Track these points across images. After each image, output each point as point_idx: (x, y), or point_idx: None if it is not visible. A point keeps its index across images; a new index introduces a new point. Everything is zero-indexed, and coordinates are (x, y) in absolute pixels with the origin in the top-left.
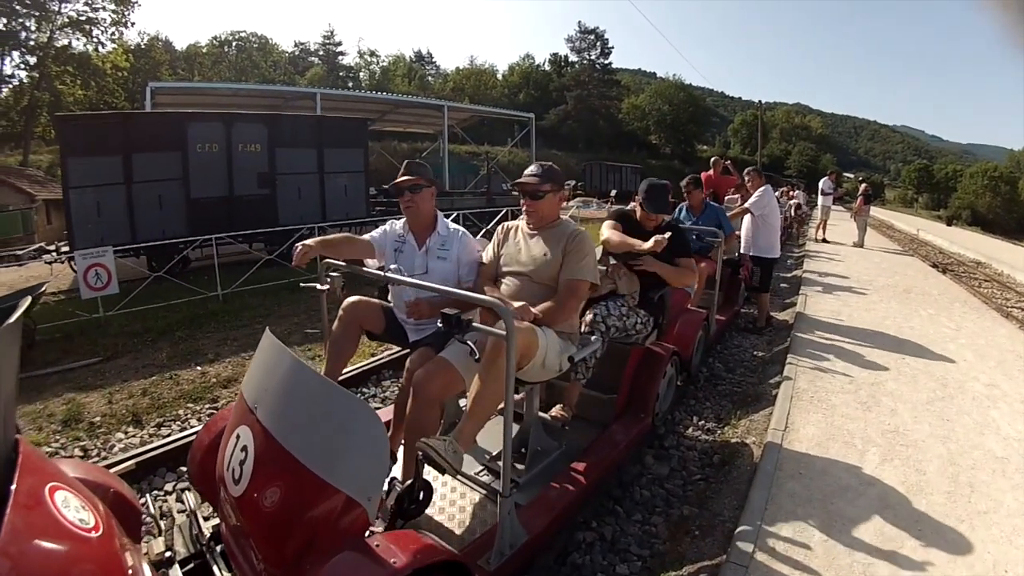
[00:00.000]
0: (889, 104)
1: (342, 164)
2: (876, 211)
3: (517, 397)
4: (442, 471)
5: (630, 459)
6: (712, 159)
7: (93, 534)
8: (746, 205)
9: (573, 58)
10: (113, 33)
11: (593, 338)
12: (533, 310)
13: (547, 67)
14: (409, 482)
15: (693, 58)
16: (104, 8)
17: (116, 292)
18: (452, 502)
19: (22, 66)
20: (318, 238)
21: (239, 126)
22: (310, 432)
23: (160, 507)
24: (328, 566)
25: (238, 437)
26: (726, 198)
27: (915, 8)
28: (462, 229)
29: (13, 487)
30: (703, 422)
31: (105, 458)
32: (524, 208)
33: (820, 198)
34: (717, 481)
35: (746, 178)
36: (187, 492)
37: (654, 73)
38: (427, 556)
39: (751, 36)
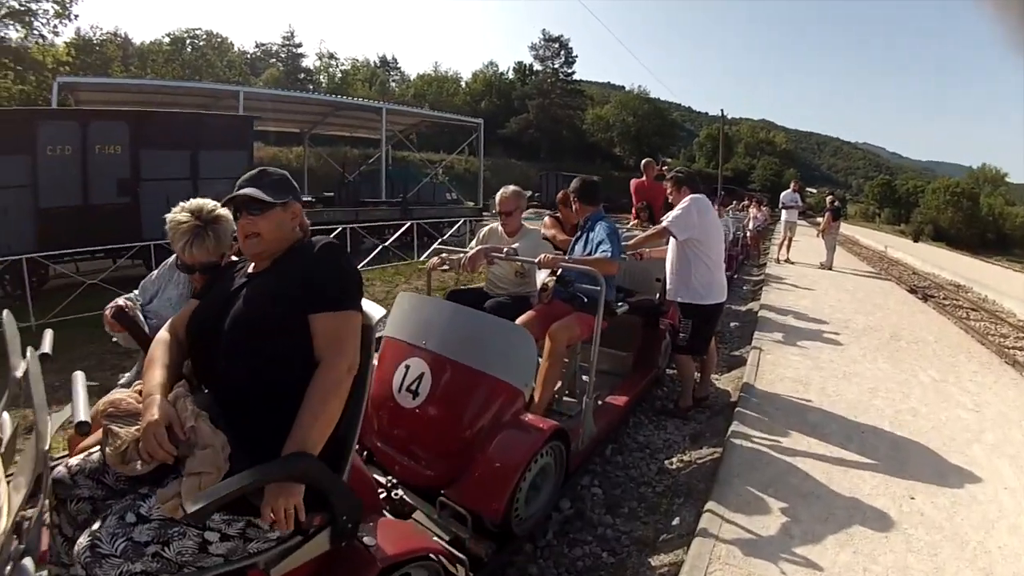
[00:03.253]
0: (852, 121)
1: (221, 169)
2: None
3: None
4: None
5: None
6: (643, 161)
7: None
8: (663, 223)
9: (537, 66)
10: (55, 26)
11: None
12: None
13: (511, 75)
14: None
15: (660, 73)
16: None
17: None
18: None
19: None
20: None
21: (97, 125)
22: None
23: None
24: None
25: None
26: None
27: (877, 28)
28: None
29: None
30: None
31: None
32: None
33: (783, 212)
34: None
35: (667, 187)
36: None
37: (622, 87)
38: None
39: (720, 52)
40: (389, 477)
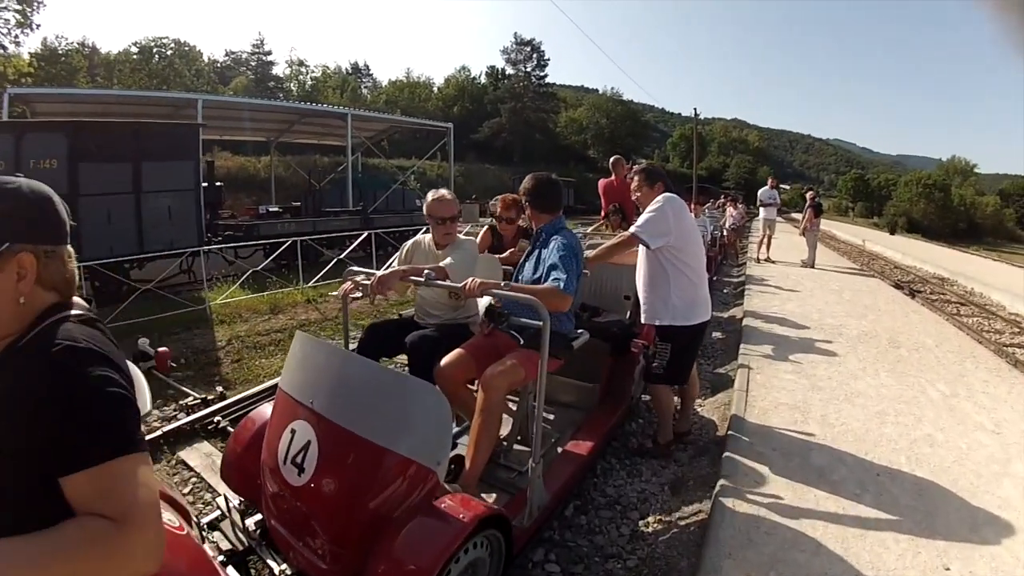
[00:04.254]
0: (822, 118)
1: (165, 181)
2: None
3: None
4: None
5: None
6: (612, 159)
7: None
8: (631, 230)
9: (509, 70)
10: (16, 36)
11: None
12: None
13: (483, 79)
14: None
15: (633, 75)
16: (8, 8)
17: None
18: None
19: None
20: None
21: (31, 137)
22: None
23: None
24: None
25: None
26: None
27: (846, 25)
28: None
29: None
30: None
31: None
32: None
33: (761, 210)
34: None
35: (632, 183)
36: (219, 496)
37: (596, 90)
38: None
39: (692, 54)
40: (284, 567)
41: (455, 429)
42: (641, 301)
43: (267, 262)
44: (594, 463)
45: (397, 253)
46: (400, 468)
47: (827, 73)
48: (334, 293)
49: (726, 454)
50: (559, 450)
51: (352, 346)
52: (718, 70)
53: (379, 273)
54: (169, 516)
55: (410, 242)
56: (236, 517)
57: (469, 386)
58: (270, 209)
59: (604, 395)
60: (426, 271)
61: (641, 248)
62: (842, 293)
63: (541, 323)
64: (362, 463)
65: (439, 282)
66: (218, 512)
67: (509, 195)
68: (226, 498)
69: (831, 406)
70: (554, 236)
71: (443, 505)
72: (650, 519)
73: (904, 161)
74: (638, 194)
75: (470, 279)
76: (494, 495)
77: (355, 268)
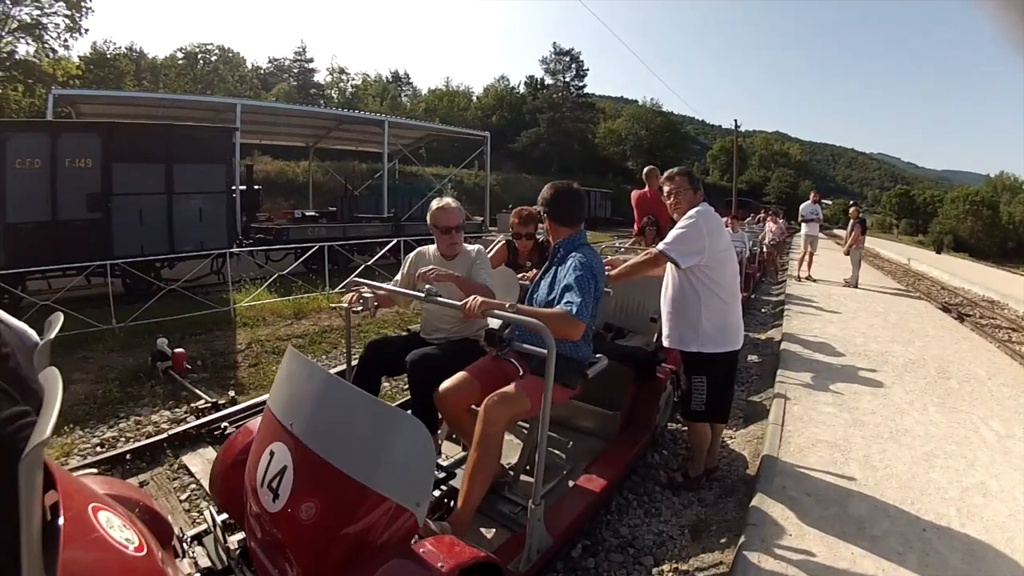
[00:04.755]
0: (866, 132)
1: (198, 183)
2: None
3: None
4: None
5: None
6: (646, 169)
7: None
8: (659, 247)
9: (548, 80)
10: (66, 40)
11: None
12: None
13: (522, 89)
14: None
15: (673, 87)
16: (57, 13)
17: None
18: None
19: None
20: None
21: (67, 137)
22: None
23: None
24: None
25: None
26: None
27: (889, 37)
28: None
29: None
30: None
31: None
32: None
33: (804, 226)
34: None
35: (667, 186)
36: (208, 507)
37: (635, 100)
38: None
39: (732, 65)
40: None
41: (459, 455)
42: (664, 323)
43: (294, 266)
44: (609, 499)
45: (404, 263)
46: (375, 506)
47: (871, 86)
48: (334, 306)
49: (755, 498)
50: (570, 483)
51: (356, 362)
52: (759, 82)
53: (384, 287)
54: (128, 535)
55: (414, 253)
56: (219, 533)
57: (476, 408)
58: (306, 213)
59: (626, 423)
60: (427, 287)
61: (669, 266)
62: (887, 316)
63: (546, 351)
64: (336, 497)
65: (439, 299)
66: (204, 526)
67: (525, 208)
68: (212, 512)
69: (874, 445)
70: (572, 253)
71: (423, 550)
72: (665, 567)
73: (950, 177)
74: (676, 198)
75: (471, 297)
76: (493, 530)
77: (360, 280)
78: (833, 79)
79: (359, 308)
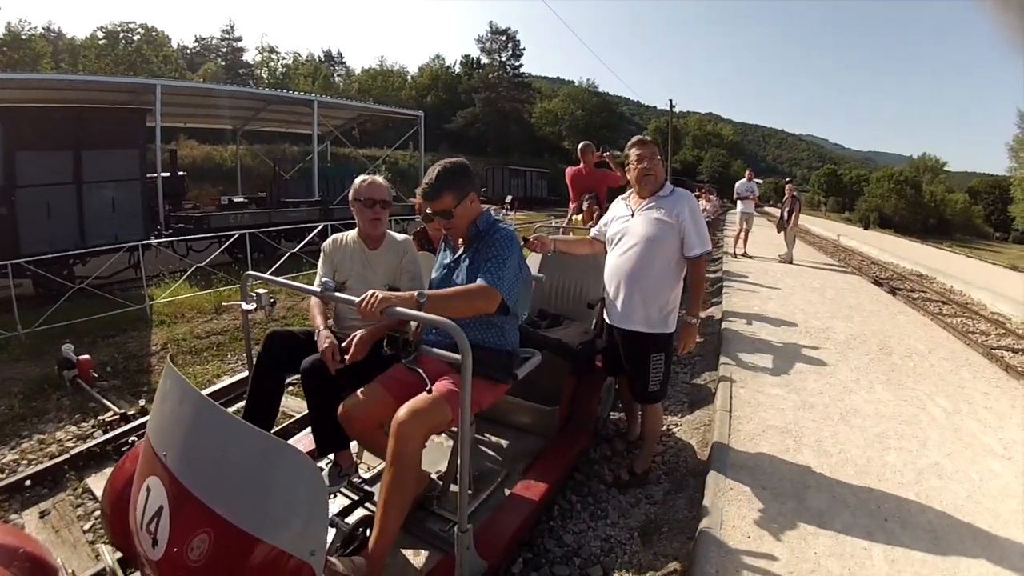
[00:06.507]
0: (795, 114)
1: (109, 170)
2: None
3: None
4: None
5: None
6: (581, 144)
7: None
8: (699, 252)
9: (484, 60)
10: None
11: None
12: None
13: (458, 69)
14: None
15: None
16: None
17: None
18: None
19: None
20: None
21: None
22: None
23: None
24: None
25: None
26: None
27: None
28: None
29: None
30: None
31: None
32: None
33: (739, 203)
34: None
35: (635, 154)
36: (103, 546)
37: (572, 81)
38: None
39: (666, 47)
40: None
41: (381, 466)
42: (624, 305)
43: (213, 256)
44: (551, 504)
45: (322, 252)
46: (263, 556)
47: (800, 69)
48: (225, 304)
49: (707, 496)
50: (506, 492)
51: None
52: (693, 63)
53: (279, 280)
54: None
55: (329, 241)
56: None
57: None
58: (234, 200)
59: (565, 418)
60: (324, 280)
61: (637, 247)
62: (824, 291)
63: (463, 344)
64: (217, 547)
65: (337, 295)
66: (102, 565)
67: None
68: (107, 552)
69: (826, 428)
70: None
71: None
72: None
73: (875, 157)
74: (652, 165)
75: (369, 292)
76: (423, 553)
77: (254, 273)
78: (765, 61)
79: (251, 307)
